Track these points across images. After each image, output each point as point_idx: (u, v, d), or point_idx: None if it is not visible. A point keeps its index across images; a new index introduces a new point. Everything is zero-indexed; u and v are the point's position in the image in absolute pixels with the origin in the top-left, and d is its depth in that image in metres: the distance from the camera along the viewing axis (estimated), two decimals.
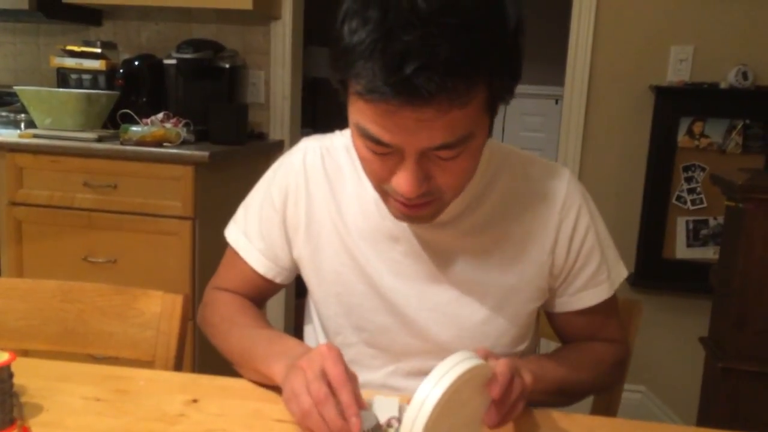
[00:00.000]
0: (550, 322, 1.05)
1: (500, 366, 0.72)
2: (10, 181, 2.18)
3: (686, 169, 2.43)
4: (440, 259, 0.94)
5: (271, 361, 0.86)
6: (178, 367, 1.09)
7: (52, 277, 1.06)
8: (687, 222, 2.46)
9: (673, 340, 2.54)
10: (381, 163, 0.79)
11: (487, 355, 0.75)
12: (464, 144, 0.75)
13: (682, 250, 2.47)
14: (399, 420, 0.76)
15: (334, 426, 0.69)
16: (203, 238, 2.15)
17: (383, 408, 0.79)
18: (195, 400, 0.85)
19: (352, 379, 0.74)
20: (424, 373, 0.97)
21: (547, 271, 0.95)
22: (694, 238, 2.46)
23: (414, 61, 0.67)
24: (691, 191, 2.44)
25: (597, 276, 0.97)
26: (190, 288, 2.13)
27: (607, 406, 1.12)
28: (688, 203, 2.44)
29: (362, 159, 0.82)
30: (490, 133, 0.82)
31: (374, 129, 0.74)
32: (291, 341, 0.90)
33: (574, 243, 0.95)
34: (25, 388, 0.84)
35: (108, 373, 0.92)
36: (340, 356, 0.75)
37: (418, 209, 0.82)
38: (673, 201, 2.45)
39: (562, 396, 0.92)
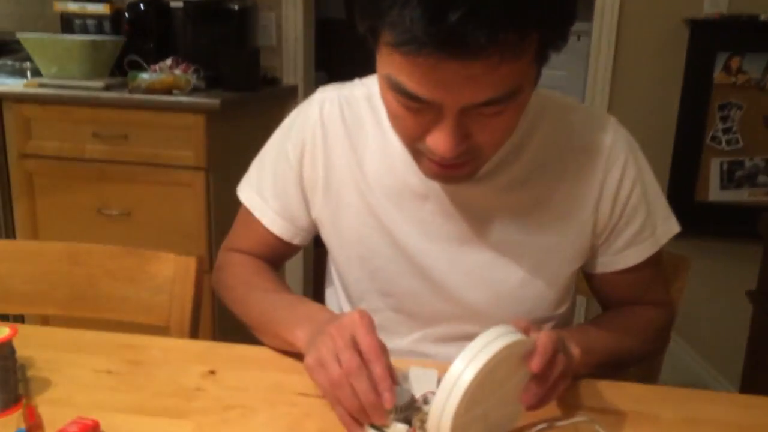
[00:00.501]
0: (590, 285, 0.98)
1: (542, 338, 0.65)
2: (19, 132, 2.12)
3: (722, 107, 2.31)
4: (473, 217, 0.87)
5: (294, 326, 0.80)
6: (193, 332, 1.04)
7: (67, 231, 1.01)
8: (721, 163, 2.35)
9: (703, 285, 2.47)
10: (414, 120, 0.70)
11: (528, 328, 0.68)
12: (511, 99, 0.67)
13: (715, 192, 2.37)
14: None
15: (366, 399, 0.64)
16: (218, 188, 2.09)
17: (419, 380, 0.74)
18: (212, 372, 0.81)
19: (383, 350, 0.68)
20: (455, 338, 0.92)
21: (590, 230, 0.88)
22: (728, 179, 2.36)
23: (460, 7, 0.57)
24: (726, 131, 2.32)
25: (641, 233, 0.90)
26: (206, 240, 2.10)
27: (649, 370, 1.06)
28: (723, 143, 2.33)
29: (392, 115, 0.74)
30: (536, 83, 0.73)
31: (410, 84, 0.65)
32: (314, 306, 0.84)
33: (619, 199, 0.87)
34: (33, 360, 0.80)
35: (120, 342, 0.88)
36: (372, 324, 0.69)
37: (455, 169, 0.74)
38: (708, 141, 2.33)
39: (610, 367, 0.86)
